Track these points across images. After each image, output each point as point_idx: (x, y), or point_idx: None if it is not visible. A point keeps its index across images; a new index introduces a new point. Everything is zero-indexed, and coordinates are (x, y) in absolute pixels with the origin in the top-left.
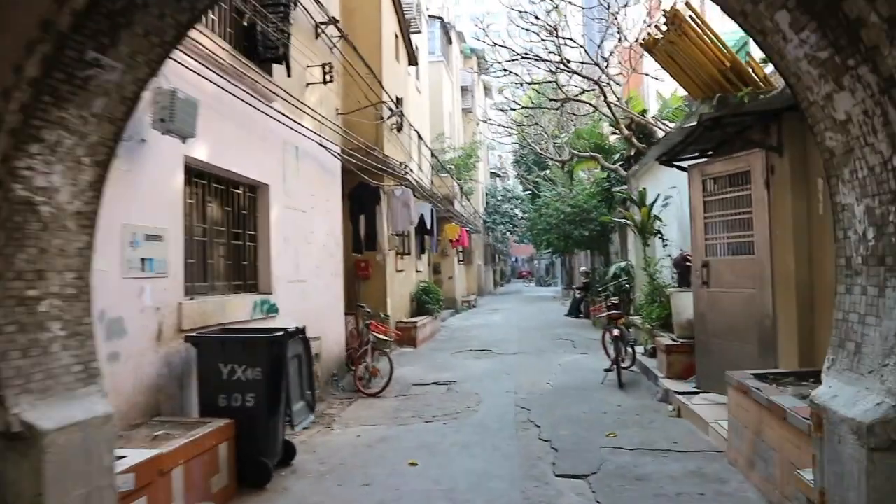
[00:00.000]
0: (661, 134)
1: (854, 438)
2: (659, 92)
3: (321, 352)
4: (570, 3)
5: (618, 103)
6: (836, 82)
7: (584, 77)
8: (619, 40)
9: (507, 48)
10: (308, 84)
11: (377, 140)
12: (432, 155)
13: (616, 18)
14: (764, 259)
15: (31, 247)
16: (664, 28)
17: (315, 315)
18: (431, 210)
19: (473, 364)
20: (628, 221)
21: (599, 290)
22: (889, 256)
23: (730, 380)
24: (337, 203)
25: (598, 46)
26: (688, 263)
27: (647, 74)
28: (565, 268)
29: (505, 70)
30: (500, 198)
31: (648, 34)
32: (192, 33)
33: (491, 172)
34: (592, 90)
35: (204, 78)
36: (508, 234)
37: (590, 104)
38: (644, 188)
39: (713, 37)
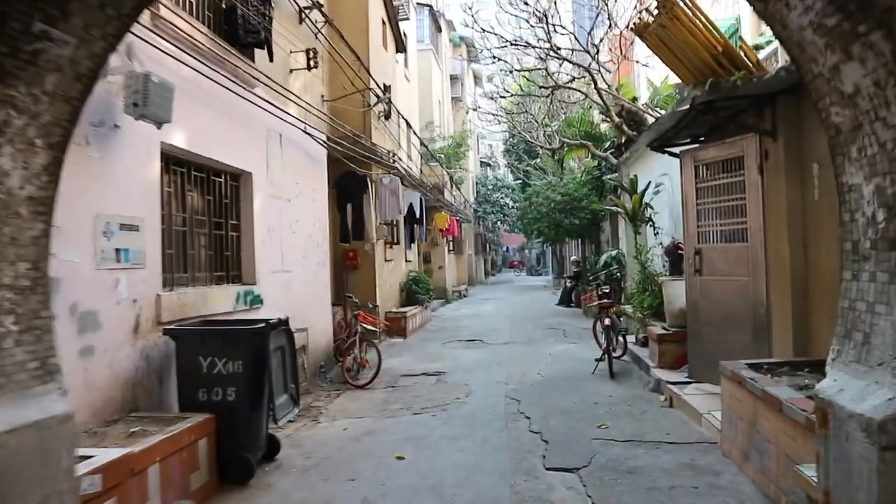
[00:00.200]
0: (651, 121)
1: (864, 436)
2: (650, 79)
3: (308, 343)
4: None
5: (608, 90)
6: (844, 51)
7: (575, 64)
8: (610, 27)
9: (497, 35)
10: (292, 70)
11: (364, 128)
12: (421, 143)
13: (606, 4)
14: (757, 246)
15: None
16: (655, 12)
17: (301, 306)
18: (421, 199)
19: (463, 354)
20: (619, 209)
21: (590, 278)
22: None
23: (723, 370)
24: (323, 192)
25: (589, 33)
26: (680, 251)
27: (637, 62)
28: (556, 257)
29: (494, 57)
30: (490, 187)
31: (639, 18)
32: (168, 15)
33: (481, 161)
34: (583, 77)
35: (181, 62)
36: (499, 223)
37: (580, 91)
38: (635, 175)
39: (705, 20)
